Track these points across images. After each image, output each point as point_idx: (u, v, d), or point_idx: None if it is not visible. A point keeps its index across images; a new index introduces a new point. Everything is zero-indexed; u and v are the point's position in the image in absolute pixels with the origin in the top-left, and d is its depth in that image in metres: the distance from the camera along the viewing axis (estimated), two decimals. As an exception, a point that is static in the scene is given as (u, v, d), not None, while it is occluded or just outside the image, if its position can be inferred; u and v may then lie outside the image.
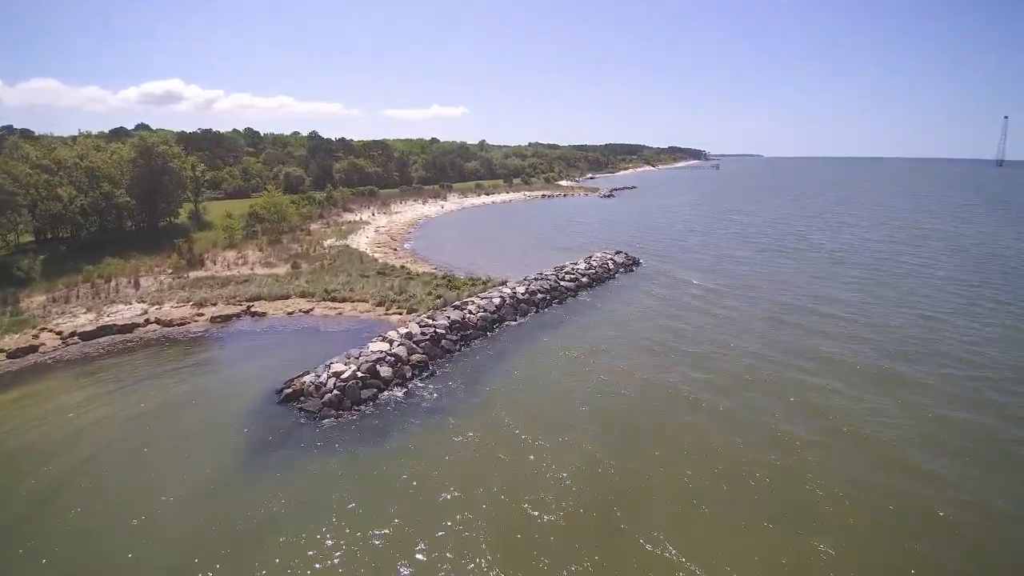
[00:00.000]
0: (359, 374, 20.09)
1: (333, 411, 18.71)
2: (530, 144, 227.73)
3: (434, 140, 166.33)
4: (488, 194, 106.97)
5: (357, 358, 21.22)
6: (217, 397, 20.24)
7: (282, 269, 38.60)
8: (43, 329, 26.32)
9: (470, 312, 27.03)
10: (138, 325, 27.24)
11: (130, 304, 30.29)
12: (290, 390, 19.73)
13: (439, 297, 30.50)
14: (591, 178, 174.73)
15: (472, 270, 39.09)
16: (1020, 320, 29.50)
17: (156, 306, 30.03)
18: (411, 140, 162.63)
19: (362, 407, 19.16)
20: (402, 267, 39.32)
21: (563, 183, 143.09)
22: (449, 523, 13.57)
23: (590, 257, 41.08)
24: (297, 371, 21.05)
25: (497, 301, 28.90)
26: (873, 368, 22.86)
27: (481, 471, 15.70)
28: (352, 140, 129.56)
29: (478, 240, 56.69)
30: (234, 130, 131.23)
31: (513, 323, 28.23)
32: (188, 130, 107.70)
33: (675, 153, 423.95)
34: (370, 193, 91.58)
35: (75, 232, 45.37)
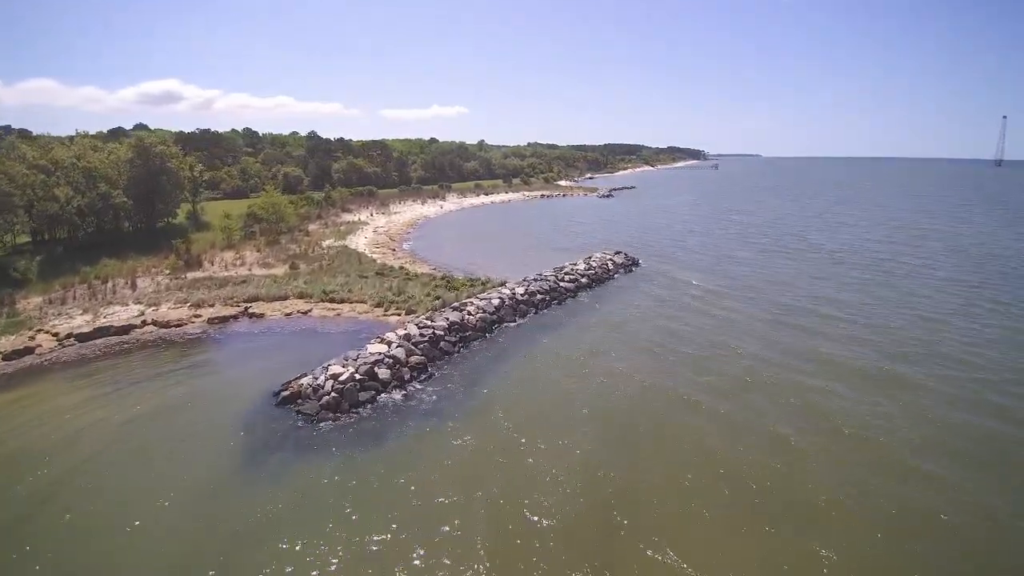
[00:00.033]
0: (357, 376, 19.97)
1: (331, 414, 18.59)
2: (529, 144, 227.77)
3: (433, 140, 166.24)
4: (487, 194, 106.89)
5: (355, 360, 21.11)
6: (214, 399, 20.11)
7: (280, 270, 38.47)
8: (39, 331, 26.16)
9: (469, 313, 26.92)
10: (135, 327, 27.10)
11: (127, 305, 30.14)
12: (287, 392, 19.60)
13: (438, 298, 30.39)
14: (590, 178, 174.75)
15: (471, 271, 39.00)
16: (1020, 321, 29.45)
17: (153, 307, 29.89)
18: (410, 140, 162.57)
19: (360, 410, 19.05)
20: (401, 268, 39.20)
21: (562, 183, 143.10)
22: (447, 528, 13.47)
23: (589, 258, 40.99)
24: (295, 373, 20.93)
25: (496, 302, 28.80)
26: (873, 369, 22.79)
27: (480, 475, 15.59)
28: (351, 140, 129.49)
29: (477, 240, 56.58)
30: (232, 130, 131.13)
31: (512, 324, 28.13)
32: (186, 130, 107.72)
33: (674, 153, 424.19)
34: (369, 193, 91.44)
35: (72, 233, 45.18)
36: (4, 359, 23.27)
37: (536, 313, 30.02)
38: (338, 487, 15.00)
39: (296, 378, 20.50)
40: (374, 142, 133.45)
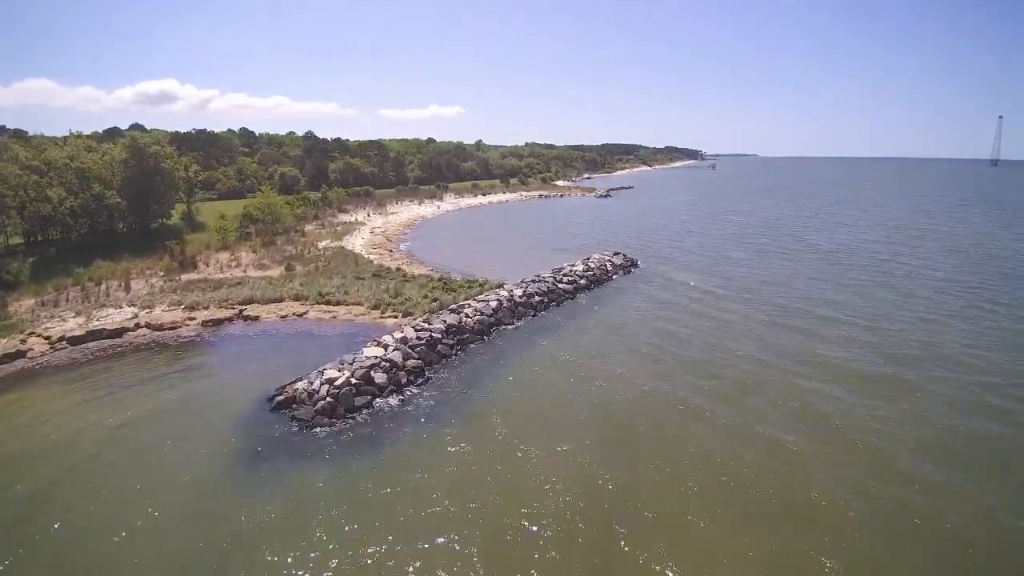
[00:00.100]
0: (353, 381, 19.71)
1: (326, 419, 18.32)
2: (527, 144, 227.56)
3: (430, 140, 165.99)
4: (485, 194, 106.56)
5: (351, 364, 20.83)
6: (208, 404, 19.82)
7: (276, 271, 38.16)
8: (31, 333, 25.81)
9: (467, 315, 26.68)
10: (128, 329, 26.78)
11: (120, 308, 29.81)
12: (282, 397, 19.33)
13: (435, 300, 30.13)
14: (588, 178, 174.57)
15: (469, 272, 38.75)
16: (1019, 322, 29.34)
17: (147, 310, 29.56)
18: (407, 140, 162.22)
19: (356, 415, 18.78)
20: (398, 269, 38.92)
21: (560, 183, 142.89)
22: (443, 537, 13.22)
23: (588, 259, 40.77)
24: (290, 377, 20.67)
25: (494, 304, 28.55)
26: (872, 372, 22.64)
27: (476, 482, 15.35)
28: (348, 140, 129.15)
29: (475, 241, 56.32)
30: (229, 130, 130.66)
31: (510, 327, 27.89)
32: (183, 130, 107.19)
33: (671, 153, 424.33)
34: (366, 194, 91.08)
35: (65, 234, 44.78)
36: (-6, 363, 22.93)
37: (534, 315, 29.80)
38: (332, 495, 14.73)
39: (291, 382, 20.23)
40: (371, 142, 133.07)
